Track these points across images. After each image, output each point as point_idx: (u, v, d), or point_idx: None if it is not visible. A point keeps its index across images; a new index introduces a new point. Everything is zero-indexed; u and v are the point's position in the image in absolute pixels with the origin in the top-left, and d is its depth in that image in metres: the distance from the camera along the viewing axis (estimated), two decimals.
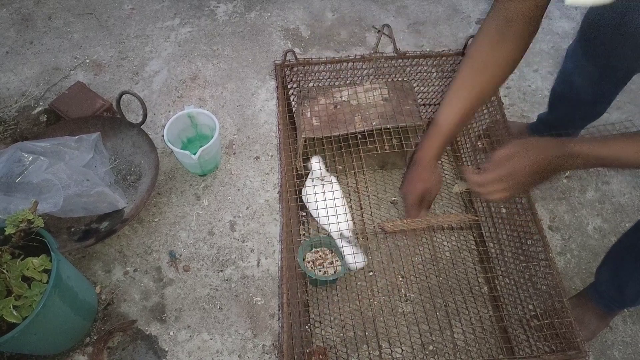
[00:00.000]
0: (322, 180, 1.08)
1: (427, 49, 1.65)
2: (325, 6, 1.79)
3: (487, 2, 1.80)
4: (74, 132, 1.27)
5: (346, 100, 1.16)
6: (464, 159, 1.31)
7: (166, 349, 1.09)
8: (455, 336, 1.08)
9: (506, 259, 1.08)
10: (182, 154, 1.20)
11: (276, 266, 1.20)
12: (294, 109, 1.25)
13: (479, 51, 0.79)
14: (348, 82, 1.21)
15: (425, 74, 1.22)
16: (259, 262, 1.21)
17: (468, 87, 0.80)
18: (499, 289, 1.09)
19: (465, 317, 1.10)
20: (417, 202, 0.87)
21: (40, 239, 0.95)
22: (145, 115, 1.23)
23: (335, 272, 1.11)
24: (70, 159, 1.19)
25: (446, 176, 1.30)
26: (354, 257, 1.03)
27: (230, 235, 1.25)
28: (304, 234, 1.21)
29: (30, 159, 1.15)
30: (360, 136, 1.11)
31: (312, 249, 1.16)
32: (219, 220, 1.28)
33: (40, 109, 1.49)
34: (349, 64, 1.16)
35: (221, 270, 1.20)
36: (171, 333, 1.11)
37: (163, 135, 1.24)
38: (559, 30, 1.70)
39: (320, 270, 1.12)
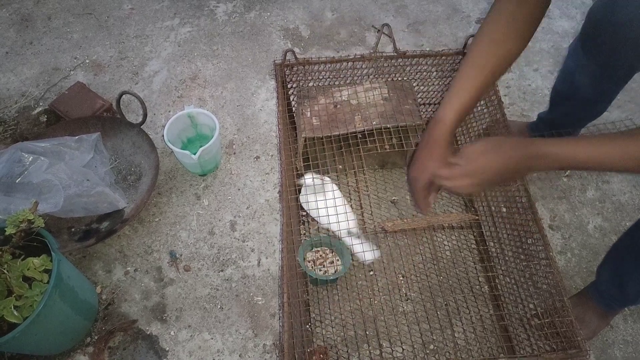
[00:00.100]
0: (322, 180, 1.08)
1: (427, 49, 1.65)
2: (325, 6, 1.79)
3: (487, 1, 1.80)
4: (74, 132, 1.27)
5: (346, 99, 1.16)
6: None
7: (167, 348, 1.09)
8: (455, 335, 1.08)
9: (507, 258, 1.08)
10: (182, 154, 1.20)
11: (277, 266, 1.20)
12: (293, 108, 1.25)
13: (480, 50, 0.79)
14: (348, 81, 1.21)
15: (425, 73, 1.22)
16: (259, 262, 1.21)
17: (472, 79, 0.78)
18: (499, 288, 1.09)
19: (465, 316, 1.10)
20: (426, 188, 0.78)
21: (41, 239, 0.95)
22: (145, 115, 1.23)
23: (335, 272, 1.11)
24: (71, 159, 1.19)
25: None
26: (369, 251, 1.08)
27: (231, 235, 1.25)
28: (304, 234, 1.21)
29: (30, 159, 1.15)
30: (360, 136, 1.11)
31: (312, 249, 1.16)
32: (220, 220, 1.28)
33: (40, 109, 1.49)
34: (349, 63, 1.16)
35: (222, 270, 1.20)
36: (172, 333, 1.11)
37: (163, 135, 1.24)
38: (559, 30, 1.70)
39: (320, 270, 1.12)
